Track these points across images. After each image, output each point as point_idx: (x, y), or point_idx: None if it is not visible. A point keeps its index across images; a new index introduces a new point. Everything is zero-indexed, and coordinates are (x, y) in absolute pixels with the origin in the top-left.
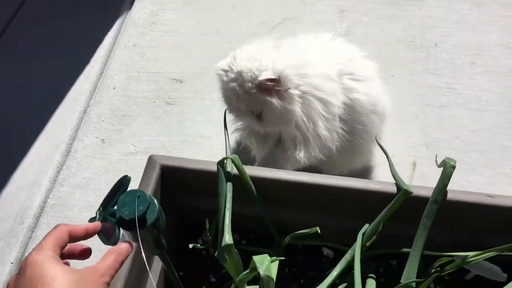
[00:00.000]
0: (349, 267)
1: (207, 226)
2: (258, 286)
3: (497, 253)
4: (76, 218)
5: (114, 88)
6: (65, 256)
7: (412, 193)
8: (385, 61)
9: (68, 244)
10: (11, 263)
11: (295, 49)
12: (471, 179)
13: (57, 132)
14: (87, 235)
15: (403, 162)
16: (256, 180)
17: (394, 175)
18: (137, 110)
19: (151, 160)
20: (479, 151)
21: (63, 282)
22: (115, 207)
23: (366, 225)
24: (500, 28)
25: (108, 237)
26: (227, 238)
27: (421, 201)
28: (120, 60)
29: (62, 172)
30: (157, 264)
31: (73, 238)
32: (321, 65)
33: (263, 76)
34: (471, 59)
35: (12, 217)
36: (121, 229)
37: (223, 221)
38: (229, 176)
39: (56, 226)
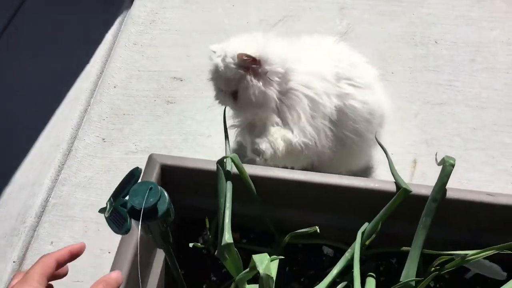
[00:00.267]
0: (349, 265)
1: (207, 225)
2: (258, 285)
3: (497, 252)
4: (78, 217)
5: (114, 87)
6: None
7: (411, 191)
8: (385, 58)
9: None
10: (13, 262)
11: (292, 46)
12: (471, 177)
13: (58, 131)
14: (73, 256)
15: (403, 160)
16: (256, 179)
17: (394, 173)
18: (137, 109)
19: (151, 159)
20: (480, 148)
21: None
22: (126, 198)
23: (366, 224)
24: (501, 24)
25: (119, 227)
26: (227, 237)
27: (421, 199)
28: (120, 58)
29: (63, 171)
30: (158, 263)
31: (60, 264)
32: (317, 65)
33: (243, 50)
34: (471, 56)
35: (14, 216)
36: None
37: (223, 220)
38: (228, 175)
39: (41, 258)
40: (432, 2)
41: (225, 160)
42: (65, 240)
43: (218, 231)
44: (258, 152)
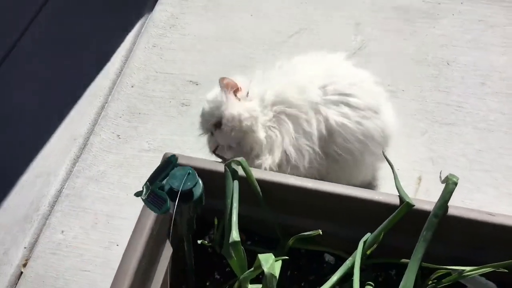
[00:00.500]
0: (349, 273)
1: (216, 223)
2: (261, 285)
3: (493, 270)
4: (89, 208)
5: (132, 86)
6: None
7: (414, 205)
8: (396, 76)
9: None
10: (24, 247)
11: (287, 65)
12: (474, 198)
13: (76, 126)
14: None
15: (408, 176)
16: (263, 183)
17: (398, 187)
18: (153, 109)
19: (165, 158)
20: (484, 170)
21: None
22: (164, 181)
23: (368, 234)
24: None
25: (159, 207)
26: (235, 235)
27: (423, 214)
28: (139, 59)
29: (78, 164)
30: (165, 258)
31: None
32: (306, 83)
33: (226, 77)
34: (482, 79)
35: (28, 204)
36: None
37: (230, 219)
38: (236, 177)
39: None
40: (445, 24)
41: (232, 163)
42: (75, 230)
43: (225, 231)
44: None
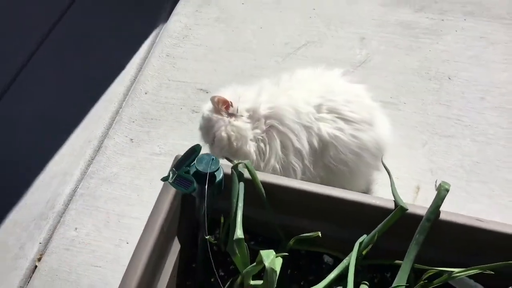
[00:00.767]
0: (346, 273)
1: (222, 221)
2: (262, 282)
3: (480, 271)
4: (102, 208)
5: (145, 93)
6: None
7: (407, 209)
8: (399, 89)
9: None
10: (40, 243)
11: (281, 81)
12: (470, 207)
13: (91, 129)
14: None
15: (407, 185)
16: (267, 185)
17: (394, 192)
18: (164, 115)
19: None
20: (481, 181)
21: None
22: (190, 165)
23: (364, 236)
24: None
25: (186, 187)
26: (239, 232)
27: (416, 219)
28: (153, 68)
29: (92, 166)
30: (173, 253)
31: None
32: (299, 99)
33: (216, 95)
34: (482, 94)
35: (44, 202)
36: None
37: (235, 217)
38: (241, 178)
39: None
40: (448, 40)
41: (239, 165)
42: (88, 228)
43: (230, 230)
44: None
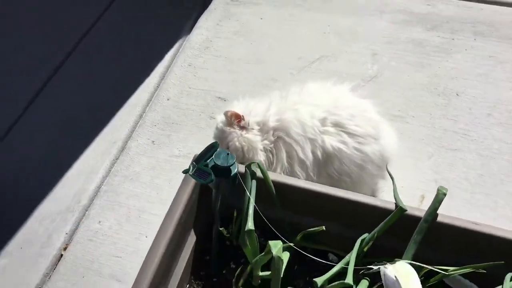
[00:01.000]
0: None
1: (235, 215)
2: (269, 273)
3: (473, 270)
4: (124, 203)
5: (167, 99)
6: None
7: (406, 210)
8: (408, 103)
9: None
10: (66, 233)
11: (291, 95)
12: (472, 217)
13: (116, 131)
14: None
15: (411, 194)
16: (277, 184)
17: (395, 195)
18: (185, 120)
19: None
20: (485, 193)
21: None
22: (209, 160)
23: (366, 234)
24: None
25: (204, 179)
26: (250, 224)
27: (415, 220)
28: (175, 76)
29: (116, 165)
30: (188, 246)
31: None
32: (306, 112)
33: (230, 109)
34: (489, 110)
35: (71, 196)
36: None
37: (247, 211)
38: (254, 176)
39: None
40: (458, 58)
41: (252, 165)
42: (110, 222)
43: (241, 224)
44: None
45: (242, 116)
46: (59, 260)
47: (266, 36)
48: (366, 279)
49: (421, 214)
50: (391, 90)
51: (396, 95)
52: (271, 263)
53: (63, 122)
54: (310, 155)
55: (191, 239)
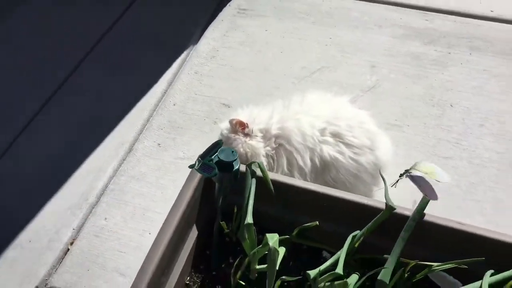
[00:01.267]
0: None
1: (235, 210)
2: (265, 266)
3: (456, 266)
4: (129, 202)
5: (174, 104)
6: None
7: (395, 209)
8: (404, 112)
9: None
10: (73, 229)
11: (293, 105)
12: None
13: (124, 133)
14: None
15: (405, 199)
16: (275, 183)
17: (386, 194)
18: (190, 125)
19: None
20: (475, 200)
21: None
22: (213, 156)
23: (357, 231)
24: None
25: (209, 173)
26: (249, 218)
27: (403, 219)
28: (182, 83)
29: (123, 165)
30: (190, 241)
31: None
32: (307, 122)
33: (235, 118)
34: (481, 121)
35: (79, 194)
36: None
37: (247, 206)
38: (254, 175)
39: None
40: (453, 71)
41: (252, 164)
42: (116, 219)
43: (241, 219)
44: None
45: (246, 123)
46: (65, 254)
47: (270, 46)
48: (356, 274)
49: (409, 213)
50: (389, 101)
51: (394, 105)
52: (267, 256)
53: (74, 125)
54: (308, 163)
55: (193, 233)
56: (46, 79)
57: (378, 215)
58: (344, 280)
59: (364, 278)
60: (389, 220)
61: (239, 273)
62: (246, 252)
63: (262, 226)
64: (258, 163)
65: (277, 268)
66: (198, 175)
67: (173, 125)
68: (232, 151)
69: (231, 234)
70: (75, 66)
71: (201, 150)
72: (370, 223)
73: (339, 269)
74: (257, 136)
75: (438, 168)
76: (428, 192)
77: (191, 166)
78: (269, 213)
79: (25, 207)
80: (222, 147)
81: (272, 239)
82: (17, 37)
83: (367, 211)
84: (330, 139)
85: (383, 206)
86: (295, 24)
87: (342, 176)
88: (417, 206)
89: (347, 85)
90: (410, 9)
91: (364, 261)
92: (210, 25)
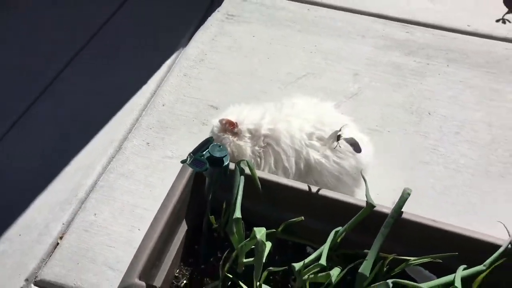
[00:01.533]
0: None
1: (224, 206)
2: (252, 259)
3: (431, 260)
4: (118, 199)
5: (163, 105)
6: None
7: (375, 206)
8: (385, 119)
9: None
10: (63, 224)
11: (284, 108)
12: None
13: (114, 132)
14: None
15: (385, 200)
16: (263, 180)
17: (366, 193)
18: (178, 125)
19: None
20: (449, 202)
21: None
22: (204, 152)
23: (340, 227)
24: (486, 108)
25: (200, 167)
26: (237, 213)
27: (383, 216)
28: (171, 84)
29: (112, 163)
30: (179, 236)
31: None
32: (296, 126)
33: (224, 117)
34: (457, 129)
35: (69, 190)
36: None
37: (235, 202)
38: (242, 172)
39: None
40: (431, 81)
41: (241, 162)
42: (105, 214)
43: (229, 215)
44: None
45: (236, 123)
46: (55, 248)
47: (257, 52)
48: (338, 267)
49: (388, 211)
50: (370, 107)
51: (374, 111)
52: (254, 250)
53: (64, 123)
54: (293, 165)
55: (183, 228)
56: (36, 77)
57: (360, 212)
58: (327, 272)
59: (345, 270)
60: (369, 218)
61: (227, 265)
62: (233, 246)
63: (249, 222)
64: (246, 161)
65: (264, 260)
66: (188, 172)
67: (161, 125)
68: (222, 147)
69: (219, 229)
70: (65, 65)
71: (189, 150)
72: (352, 219)
73: (323, 261)
74: (245, 136)
75: (361, 139)
76: (355, 148)
77: (183, 161)
78: (256, 210)
79: (15, 201)
80: (213, 144)
81: (260, 232)
82: (8, 34)
83: (349, 209)
84: (316, 143)
85: (364, 204)
86: (282, 31)
87: (325, 178)
88: (395, 205)
89: (331, 91)
90: (392, 21)
91: (345, 256)
92: (199, 29)
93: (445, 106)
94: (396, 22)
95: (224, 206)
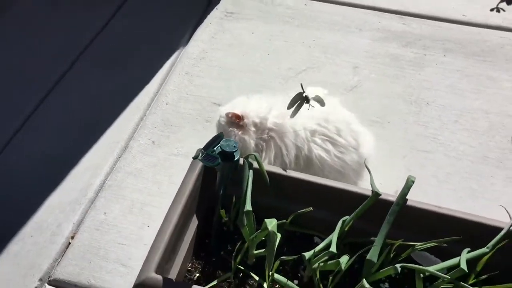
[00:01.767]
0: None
1: (233, 200)
2: (263, 250)
3: (437, 245)
4: (127, 197)
5: (166, 104)
6: None
7: (381, 194)
8: (384, 110)
9: None
10: (73, 223)
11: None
12: None
13: (120, 131)
14: None
15: (388, 189)
16: (270, 173)
17: (371, 182)
18: (182, 123)
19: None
20: (451, 189)
21: None
22: (216, 147)
23: (347, 216)
24: (484, 96)
25: (212, 162)
26: (248, 206)
27: (388, 204)
28: (174, 83)
29: (119, 162)
30: (191, 229)
31: None
32: (299, 121)
33: (231, 110)
34: (456, 118)
35: (78, 190)
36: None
37: (245, 195)
38: (251, 166)
39: None
40: (429, 71)
41: (249, 156)
42: (115, 213)
43: (240, 208)
44: None
45: (242, 116)
46: (67, 247)
47: (257, 48)
48: (346, 255)
49: (393, 199)
50: (370, 99)
51: (374, 103)
52: (266, 241)
53: (72, 124)
54: (293, 160)
55: (194, 223)
56: (41, 79)
57: (366, 201)
58: (337, 260)
59: (354, 257)
60: (375, 206)
61: (239, 257)
62: (244, 238)
63: (258, 216)
64: (254, 155)
65: (275, 250)
66: (198, 167)
67: (166, 124)
68: (234, 143)
69: (229, 222)
70: (69, 66)
71: (195, 146)
72: (359, 208)
73: (333, 248)
74: (250, 130)
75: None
76: (321, 104)
77: (195, 157)
78: (264, 203)
79: (26, 203)
80: (224, 139)
81: (271, 223)
82: (12, 37)
83: (355, 198)
84: (319, 140)
85: (369, 193)
86: (280, 27)
87: (327, 173)
88: (400, 192)
89: (331, 84)
90: (388, 13)
91: (352, 245)
92: (199, 27)
93: (443, 96)
94: (392, 14)
95: (233, 200)
